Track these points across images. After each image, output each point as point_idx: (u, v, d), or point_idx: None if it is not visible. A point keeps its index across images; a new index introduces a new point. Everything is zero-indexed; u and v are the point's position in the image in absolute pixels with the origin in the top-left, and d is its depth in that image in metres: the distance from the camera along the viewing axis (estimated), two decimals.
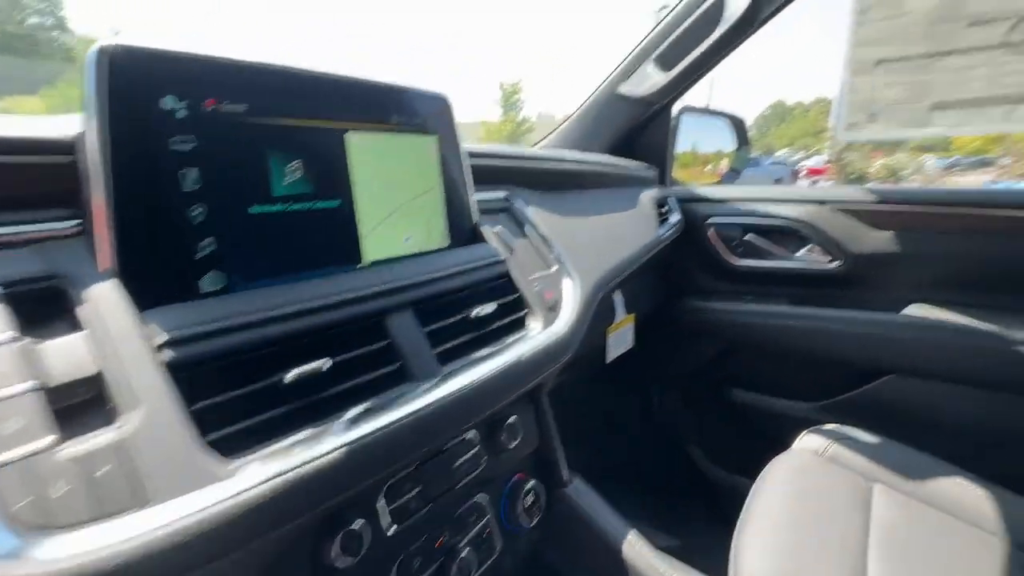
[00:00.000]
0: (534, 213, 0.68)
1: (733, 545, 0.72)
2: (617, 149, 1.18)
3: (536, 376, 0.51)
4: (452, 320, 0.46)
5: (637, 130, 1.18)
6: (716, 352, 1.21)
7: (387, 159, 0.49)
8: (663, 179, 1.24)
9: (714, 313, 1.17)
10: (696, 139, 1.61)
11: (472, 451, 0.47)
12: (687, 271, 1.23)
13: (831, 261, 1.05)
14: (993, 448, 0.92)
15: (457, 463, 0.46)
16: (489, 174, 0.69)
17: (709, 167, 1.77)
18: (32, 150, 0.31)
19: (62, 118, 0.35)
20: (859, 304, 1.02)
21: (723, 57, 1.00)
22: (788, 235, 1.10)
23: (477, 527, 0.49)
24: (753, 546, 0.71)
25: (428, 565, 0.45)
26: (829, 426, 0.91)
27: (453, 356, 0.44)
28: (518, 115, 24.01)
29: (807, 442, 0.89)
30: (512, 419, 0.51)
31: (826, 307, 1.04)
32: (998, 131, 0.88)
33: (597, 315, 0.95)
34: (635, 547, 0.56)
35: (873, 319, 0.98)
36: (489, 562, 0.50)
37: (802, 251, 1.09)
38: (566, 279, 0.63)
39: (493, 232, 0.58)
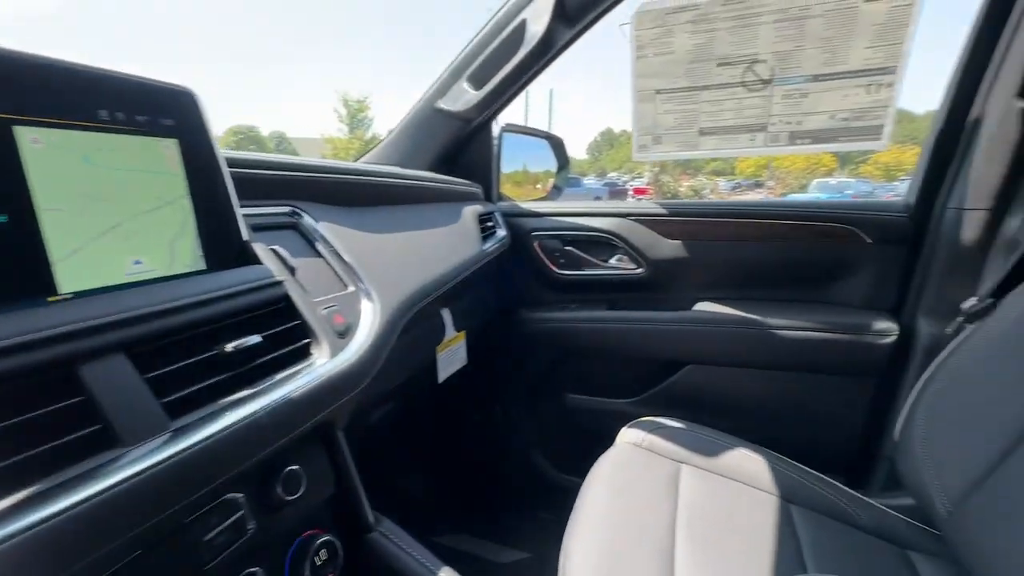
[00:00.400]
0: (329, 229, 0.61)
1: (563, 545, 0.73)
2: (441, 165, 1.17)
3: (319, 413, 0.44)
4: (195, 359, 0.37)
5: (459, 147, 1.19)
6: (550, 360, 1.26)
7: (95, 164, 0.39)
8: (489, 195, 1.26)
9: (544, 322, 1.22)
10: (526, 158, 1.70)
11: (233, 517, 0.39)
12: (517, 284, 1.26)
13: (637, 268, 1.16)
14: (768, 418, 1.10)
15: (209, 536, 0.37)
16: (275, 187, 0.61)
17: (540, 185, 1.87)
18: None
19: None
20: (660, 304, 1.14)
21: (530, 78, 1.05)
22: (602, 245, 1.19)
23: None
24: (580, 541, 0.73)
25: None
26: (646, 419, 0.99)
27: (193, 405, 0.36)
28: (366, 133, 23.29)
29: (627, 436, 0.95)
30: (292, 468, 0.44)
31: (635, 309, 1.15)
32: (745, 154, 1.06)
33: (424, 335, 0.92)
34: None
35: (671, 317, 1.11)
36: None
37: (613, 259, 1.19)
38: (364, 300, 0.57)
39: (269, 251, 0.50)
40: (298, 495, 0.44)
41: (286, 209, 0.59)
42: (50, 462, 0.28)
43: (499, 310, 1.25)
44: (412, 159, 1.15)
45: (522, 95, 1.14)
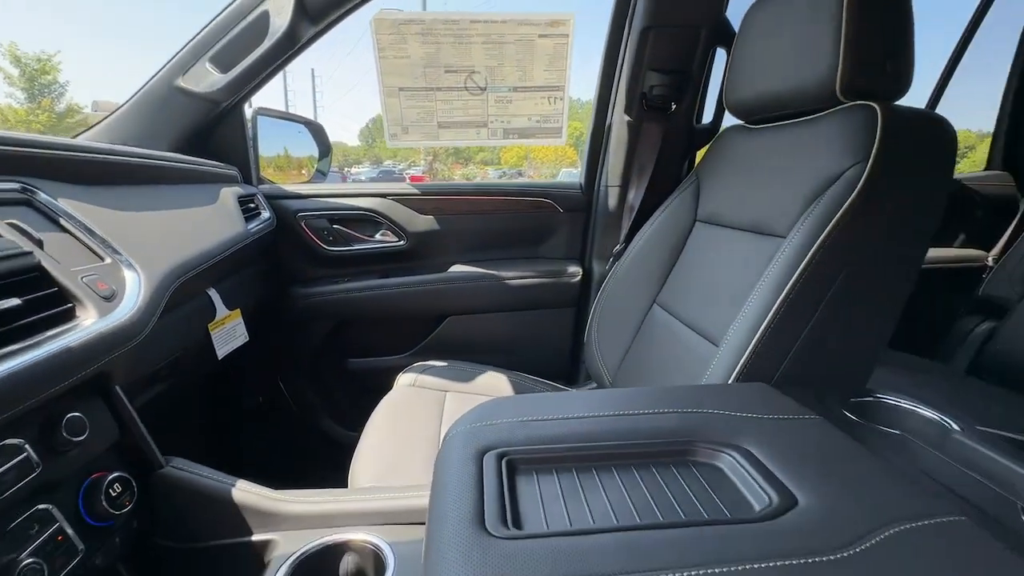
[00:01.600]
0: (71, 205, 0.62)
1: (350, 467, 0.88)
2: (187, 147, 1.14)
3: (94, 364, 0.49)
4: None
5: (208, 129, 1.17)
6: (328, 331, 1.36)
7: None
8: (249, 179, 1.28)
9: (319, 297, 1.31)
10: (287, 143, 1.70)
11: (18, 458, 0.43)
12: (289, 263, 1.32)
13: (399, 240, 1.35)
14: (510, 349, 1.42)
15: None
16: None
17: (304, 170, 1.90)
18: None
19: None
20: (422, 270, 1.36)
21: (280, 66, 1.11)
22: (366, 222, 1.34)
23: (44, 536, 0.45)
24: (363, 459, 0.89)
25: None
26: (417, 364, 1.20)
27: None
28: (57, 102, 17.86)
29: (402, 380, 1.15)
30: (75, 414, 0.48)
31: (402, 275, 1.35)
32: (475, 144, 1.34)
33: (192, 314, 0.93)
34: (244, 490, 0.62)
35: (431, 279, 1.33)
36: (72, 564, 0.47)
37: (378, 234, 1.35)
38: (126, 270, 0.61)
39: (5, 225, 0.51)
40: (83, 437, 0.49)
41: (15, 185, 0.57)
42: None
43: (275, 288, 1.29)
44: (150, 139, 1.09)
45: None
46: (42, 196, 0.60)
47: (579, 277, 1.37)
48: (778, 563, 0.33)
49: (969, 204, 1.51)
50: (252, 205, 1.18)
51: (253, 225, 1.11)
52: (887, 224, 0.68)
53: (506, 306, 1.37)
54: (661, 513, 0.40)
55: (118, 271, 0.60)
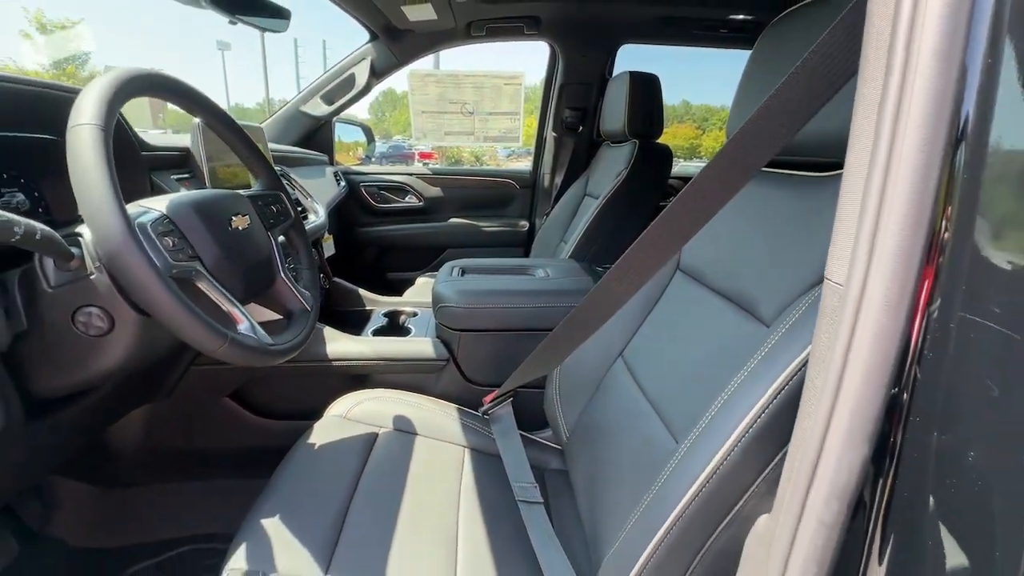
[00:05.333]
0: (293, 176, 1.53)
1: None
2: (301, 143, 2.03)
3: (318, 234, 1.40)
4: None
5: (313, 132, 2.06)
6: (376, 255, 2.27)
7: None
8: (331, 161, 2.17)
9: (371, 234, 2.22)
10: (341, 134, 2.59)
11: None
12: (353, 213, 2.22)
13: (419, 201, 2.25)
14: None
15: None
16: (276, 160, 1.48)
17: (351, 153, 2.81)
18: None
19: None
20: (433, 220, 2.27)
21: (360, 99, 1.99)
22: (400, 190, 2.24)
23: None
24: (405, 296, 1.80)
25: None
26: (427, 273, 2.11)
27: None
28: (80, 70, 18.64)
29: (419, 281, 2.06)
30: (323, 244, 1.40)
31: (420, 223, 2.25)
32: (466, 146, 2.22)
33: None
34: (364, 290, 1.54)
35: (438, 226, 2.24)
36: None
37: (407, 198, 2.25)
38: (315, 203, 1.52)
39: (286, 183, 1.42)
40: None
41: (280, 168, 1.48)
42: None
43: (344, 226, 2.20)
44: (286, 139, 1.99)
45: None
46: (284, 172, 1.50)
47: (527, 228, 2.28)
48: (529, 287, 1.24)
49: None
50: (337, 177, 2.08)
51: (339, 189, 2.01)
52: (638, 193, 1.58)
53: (481, 243, 2.28)
54: (518, 282, 1.31)
55: (314, 203, 1.51)
